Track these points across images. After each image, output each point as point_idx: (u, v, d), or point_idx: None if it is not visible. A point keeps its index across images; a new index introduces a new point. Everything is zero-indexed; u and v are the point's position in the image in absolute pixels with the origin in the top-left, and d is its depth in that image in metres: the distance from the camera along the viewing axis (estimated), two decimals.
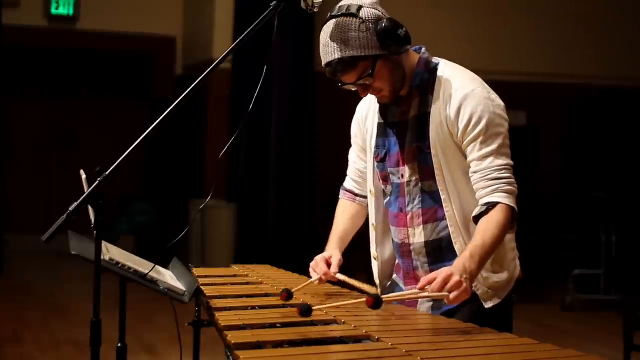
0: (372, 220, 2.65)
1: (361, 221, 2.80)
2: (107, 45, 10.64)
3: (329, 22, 2.36)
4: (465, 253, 2.25)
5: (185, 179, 10.14)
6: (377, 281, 2.67)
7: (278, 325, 2.09)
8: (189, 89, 2.24)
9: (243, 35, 2.31)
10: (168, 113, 2.21)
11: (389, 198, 2.57)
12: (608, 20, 10.28)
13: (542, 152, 9.86)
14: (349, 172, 2.81)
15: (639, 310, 4.80)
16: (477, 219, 2.33)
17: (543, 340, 1.95)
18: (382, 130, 2.56)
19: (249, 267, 3.12)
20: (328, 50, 2.36)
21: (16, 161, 10.76)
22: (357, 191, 2.78)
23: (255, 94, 2.41)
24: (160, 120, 2.21)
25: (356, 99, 2.65)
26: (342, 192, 2.82)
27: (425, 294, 2.17)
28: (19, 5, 10.13)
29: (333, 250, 2.65)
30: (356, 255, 3.22)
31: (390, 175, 2.54)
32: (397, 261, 2.62)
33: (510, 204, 2.31)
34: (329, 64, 2.37)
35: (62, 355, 5.71)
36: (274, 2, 2.35)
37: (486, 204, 2.32)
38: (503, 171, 2.34)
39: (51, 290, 8.31)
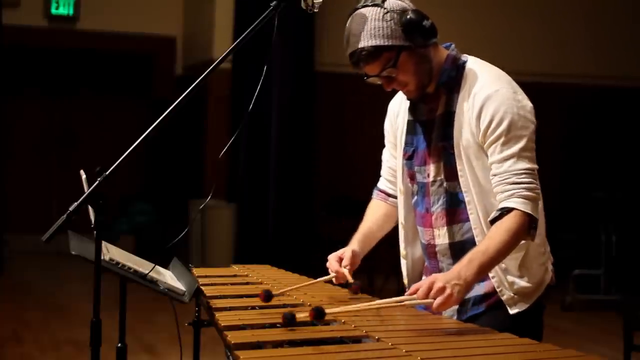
0: (401, 219, 2.59)
1: (392, 222, 2.73)
2: (107, 45, 10.64)
3: (354, 13, 2.33)
4: (464, 259, 2.20)
5: (185, 179, 10.13)
6: (406, 281, 2.62)
7: (278, 325, 2.08)
8: (189, 89, 2.24)
9: (243, 35, 2.31)
10: (168, 113, 2.21)
11: (416, 197, 2.52)
12: (608, 20, 10.27)
13: (542, 152, 9.82)
14: (382, 172, 2.75)
15: (639, 310, 4.79)
16: (492, 224, 2.27)
17: (543, 340, 1.95)
18: (412, 128, 2.52)
19: (249, 267, 3.12)
20: (351, 40, 2.31)
21: (16, 161, 10.75)
22: (390, 191, 2.71)
23: (255, 94, 2.40)
24: (160, 120, 2.21)
25: (357, 99, 2.65)
26: (375, 192, 2.77)
27: (415, 300, 2.15)
28: (19, 5, 10.12)
29: (350, 246, 2.60)
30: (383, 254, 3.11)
31: (417, 174, 2.49)
32: (425, 263, 2.58)
33: (527, 211, 2.23)
34: (352, 53, 2.32)
35: (62, 355, 5.71)
36: (274, 2, 2.35)
37: (501, 209, 2.25)
38: (523, 175, 2.27)
39: (51, 290, 8.31)
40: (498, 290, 2.37)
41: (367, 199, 2.80)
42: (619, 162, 9.96)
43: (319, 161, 9.03)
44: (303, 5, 2.36)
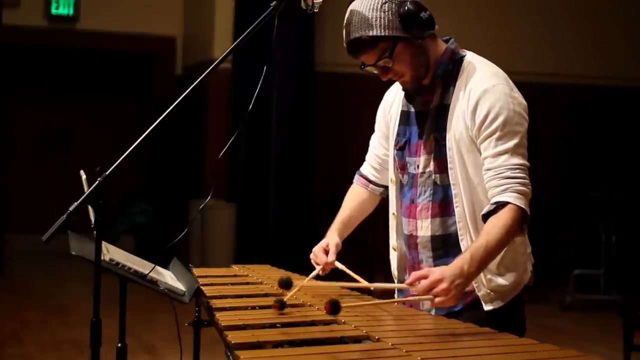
0: (392, 210, 2.60)
1: (369, 209, 2.77)
2: (107, 45, 10.63)
3: (353, 2, 2.35)
4: (466, 254, 2.20)
5: (185, 179, 10.13)
6: (395, 273, 2.62)
7: (278, 325, 2.09)
8: (189, 89, 2.24)
9: (243, 35, 2.31)
10: (168, 113, 2.22)
11: (404, 188, 2.53)
12: (608, 20, 10.27)
13: (542, 152, 9.85)
14: (367, 157, 2.77)
15: (639, 310, 4.80)
16: (485, 218, 2.28)
17: (543, 340, 1.95)
18: (405, 119, 2.53)
19: (249, 267, 3.12)
20: (349, 29, 2.34)
21: (16, 161, 10.75)
22: (372, 178, 2.74)
23: (255, 94, 2.40)
24: (160, 121, 2.21)
25: (356, 99, 2.65)
26: (356, 176, 2.79)
27: (411, 297, 2.16)
28: (19, 5, 10.12)
29: (331, 236, 2.63)
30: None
31: (408, 165, 2.50)
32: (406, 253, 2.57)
33: (521, 205, 2.25)
34: (349, 43, 2.35)
35: (62, 355, 5.71)
36: (274, 2, 2.35)
37: (495, 202, 2.26)
38: (517, 171, 2.28)
39: (51, 290, 8.31)
40: (475, 286, 2.38)
41: None
42: (618, 162, 9.96)
43: (319, 161, 9.03)
44: (303, 5, 2.36)
